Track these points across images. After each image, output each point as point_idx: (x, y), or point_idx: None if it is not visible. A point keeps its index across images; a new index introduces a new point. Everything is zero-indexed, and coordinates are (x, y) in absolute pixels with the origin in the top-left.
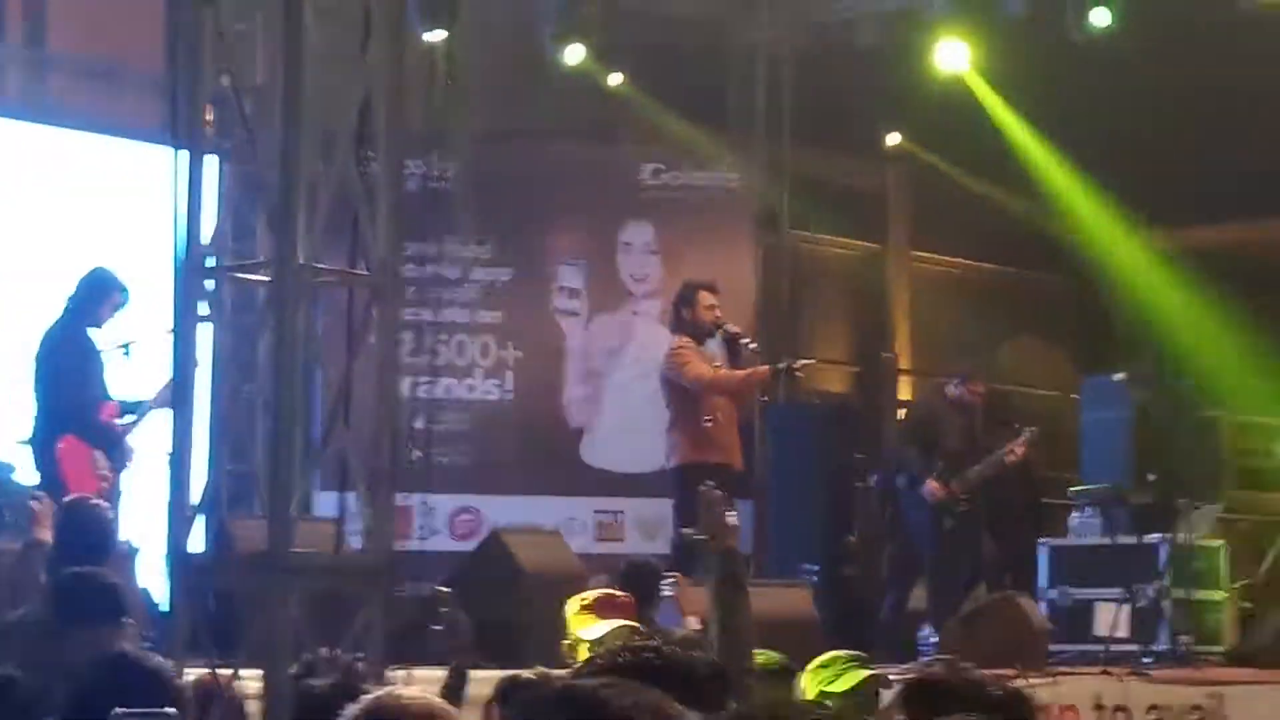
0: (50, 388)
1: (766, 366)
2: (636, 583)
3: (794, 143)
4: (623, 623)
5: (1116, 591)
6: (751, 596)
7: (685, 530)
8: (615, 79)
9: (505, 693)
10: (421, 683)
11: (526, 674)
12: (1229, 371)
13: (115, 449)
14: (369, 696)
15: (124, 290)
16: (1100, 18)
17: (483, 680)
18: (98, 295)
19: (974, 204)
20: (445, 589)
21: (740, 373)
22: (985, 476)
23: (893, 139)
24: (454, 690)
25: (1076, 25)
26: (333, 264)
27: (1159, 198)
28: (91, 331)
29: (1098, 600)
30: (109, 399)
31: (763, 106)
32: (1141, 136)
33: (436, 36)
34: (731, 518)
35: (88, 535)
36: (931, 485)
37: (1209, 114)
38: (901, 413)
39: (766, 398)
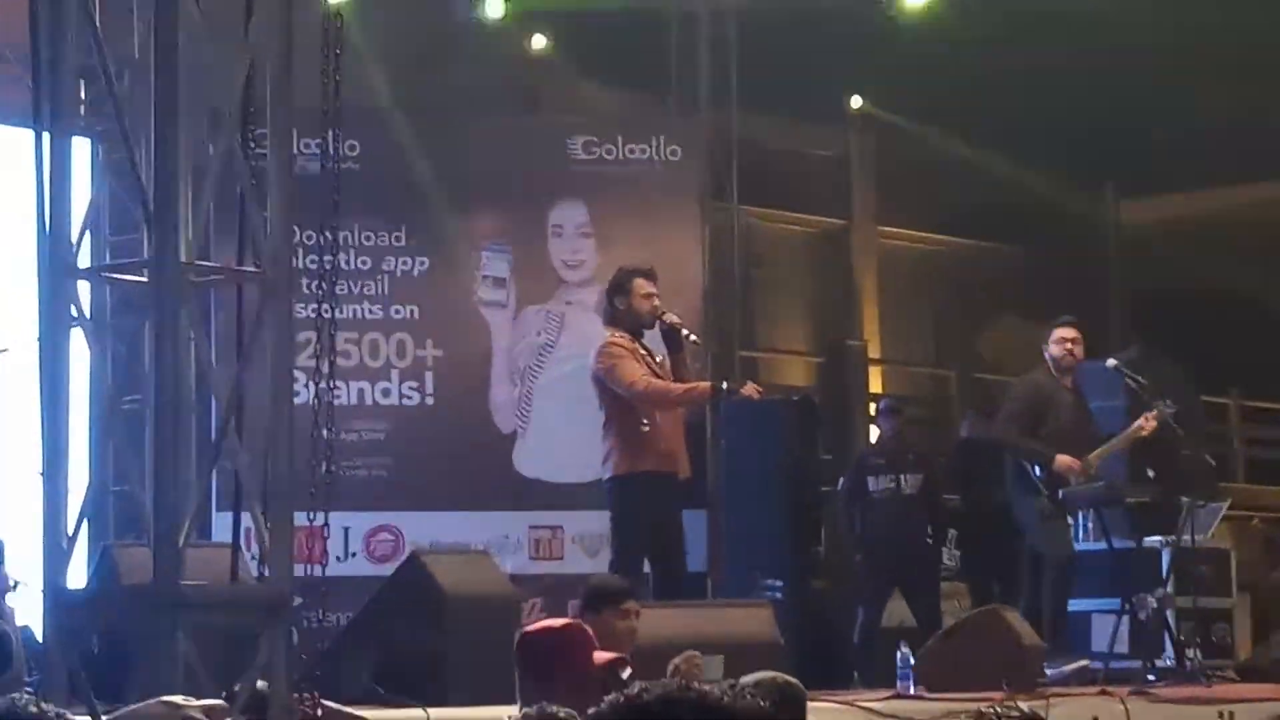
0: None
1: (708, 384)
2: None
3: (743, 108)
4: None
5: (1114, 602)
6: (708, 619)
7: None
8: (539, 42)
9: None
10: None
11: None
12: (1237, 351)
13: None
14: None
15: None
16: None
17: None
18: None
19: (948, 171)
20: None
21: (678, 386)
22: (1109, 455)
23: (855, 102)
24: None
25: None
26: (222, 259)
27: (1142, 161)
28: None
29: (1094, 612)
30: None
31: (707, 69)
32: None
33: None
34: None
35: None
36: (1063, 459)
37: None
38: (873, 407)
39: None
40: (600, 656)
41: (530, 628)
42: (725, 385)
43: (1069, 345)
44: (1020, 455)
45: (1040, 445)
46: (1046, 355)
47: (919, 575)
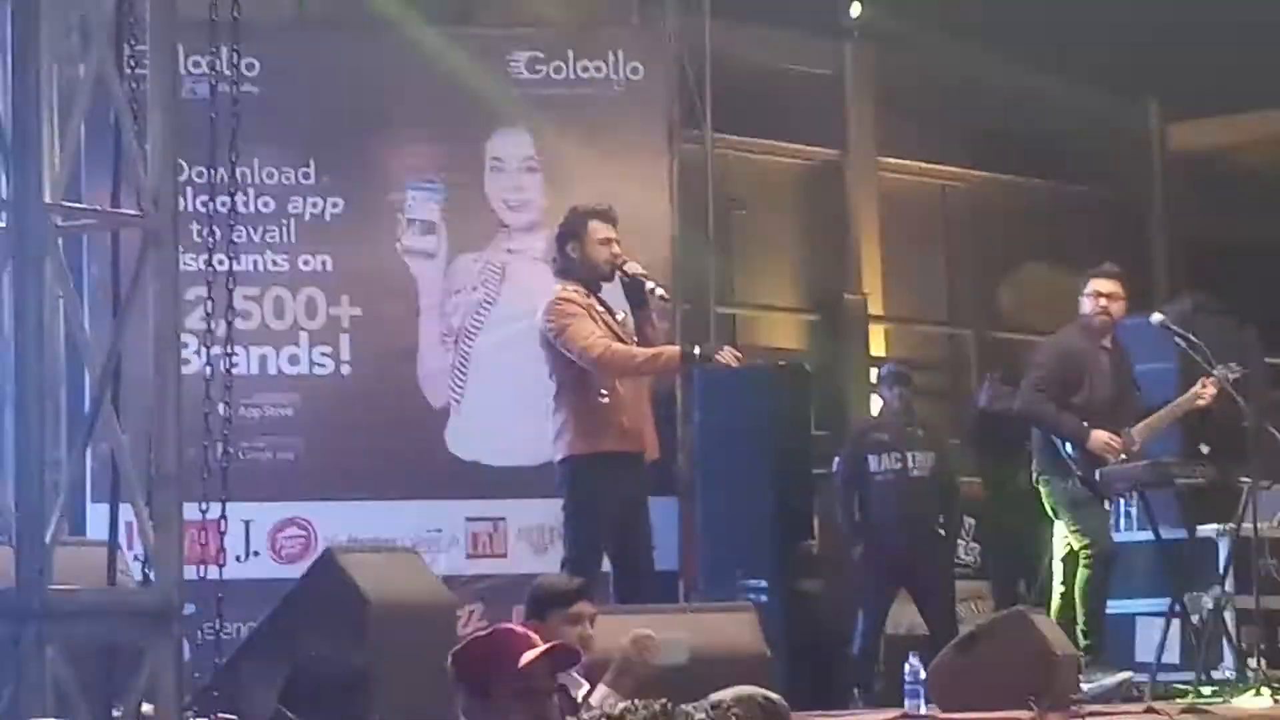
0: None
1: (678, 348)
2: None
3: (717, 17)
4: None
5: (1162, 603)
6: (679, 625)
7: None
8: None
9: None
10: None
11: None
12: None
13: None
14: None
15: None
16: None
17: None
18: None
19: (962, 91)
20: None
21: (642, 351)
22: (1156, 429)
23: (853, 9)
24: None
25: None
26: (95, 199)
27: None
28: None
29: (1139, 614)
30: None
31: None
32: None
33: None
34: None
35: None
36: (1100, 434)
37: None
38: (875, 373)
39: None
40: (530, 654)
41: (458, 646)
42: (699, 349)
43: (1105, 300)
44: (1049, 429)
45: (1073, 418)
46: (1080, 311)
47: (930, 573)
